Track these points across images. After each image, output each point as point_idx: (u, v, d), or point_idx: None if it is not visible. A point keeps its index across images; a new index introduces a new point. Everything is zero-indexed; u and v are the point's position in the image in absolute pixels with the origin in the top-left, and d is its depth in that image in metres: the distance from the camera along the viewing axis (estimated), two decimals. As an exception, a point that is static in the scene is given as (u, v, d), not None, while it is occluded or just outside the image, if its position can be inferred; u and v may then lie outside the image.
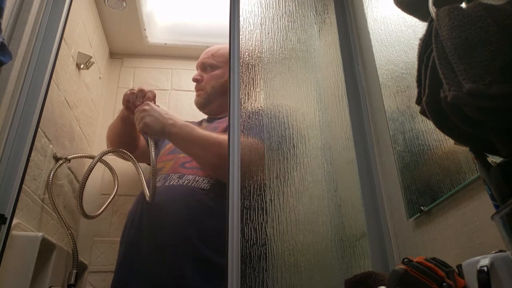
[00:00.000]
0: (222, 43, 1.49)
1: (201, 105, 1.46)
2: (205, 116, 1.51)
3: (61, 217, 1.27)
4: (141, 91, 1.33)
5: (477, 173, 0.58)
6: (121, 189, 1.68)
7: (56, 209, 1.25)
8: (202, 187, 1.19)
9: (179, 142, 1.25)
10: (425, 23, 0.46)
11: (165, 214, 1.16)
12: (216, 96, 1.41)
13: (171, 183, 1.22)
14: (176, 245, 1.11)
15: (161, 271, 1.09)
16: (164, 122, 1.22)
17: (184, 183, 1.21)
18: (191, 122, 1.55)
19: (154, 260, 1.11)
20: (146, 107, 1.25)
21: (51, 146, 1.27)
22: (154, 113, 1.24)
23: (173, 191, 1.20)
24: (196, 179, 1.21)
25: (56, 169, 1.28)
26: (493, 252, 0.41)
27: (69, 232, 1.28)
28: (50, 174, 1.25)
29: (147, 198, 1.17)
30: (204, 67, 1.47)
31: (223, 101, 1.36)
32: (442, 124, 0.42)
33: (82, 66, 1.50)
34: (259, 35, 1.08)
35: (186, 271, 1.07)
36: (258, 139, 0.95)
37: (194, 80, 1.48)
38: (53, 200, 1.24)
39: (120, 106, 1.84)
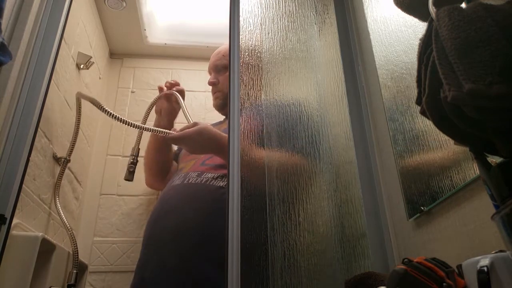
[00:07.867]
0: (224, 43, 1.48)
1: (221, 107, 1.45)
2: (222, 117, 1.50)
3: (62, 218, 1.28)
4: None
5: (477, 173, 0.58)
6: (122, 190, 1.69)
7: (58, 210, 1.26)
8: (221, 185, 1.18)
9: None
10: (425, 23, 0.46)
11: (183, 213, 1.17)
12: None
13: (189, 181, 1.23)
14: (192, 245, 1.11)
15: (179, 271, 1.09)
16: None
17: (202, 181, 1.20)
18: (215, 123, 1.55)
19: (172, 260, 1.11)
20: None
21: (51, 146, 1.27)
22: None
23: (191, 189, 1.20)
24: (214, 177, 1.21)
25: (64, 171, 1.31)
26: (493, 252, 0.41)
27: (70, 232, 1.29)
28: (59, 177, 1.29)
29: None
30: (217, 69, 1.45)
31: None
32: (442, 124, 0.42)
33: (82, 66, 1.50)
34: (259, 35, 1.07)
35: (200, 271, 1.07)
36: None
37: (211, 83, 1.45)
38: (55, 202, 1.26)
39: (119, 107, 1.85)
